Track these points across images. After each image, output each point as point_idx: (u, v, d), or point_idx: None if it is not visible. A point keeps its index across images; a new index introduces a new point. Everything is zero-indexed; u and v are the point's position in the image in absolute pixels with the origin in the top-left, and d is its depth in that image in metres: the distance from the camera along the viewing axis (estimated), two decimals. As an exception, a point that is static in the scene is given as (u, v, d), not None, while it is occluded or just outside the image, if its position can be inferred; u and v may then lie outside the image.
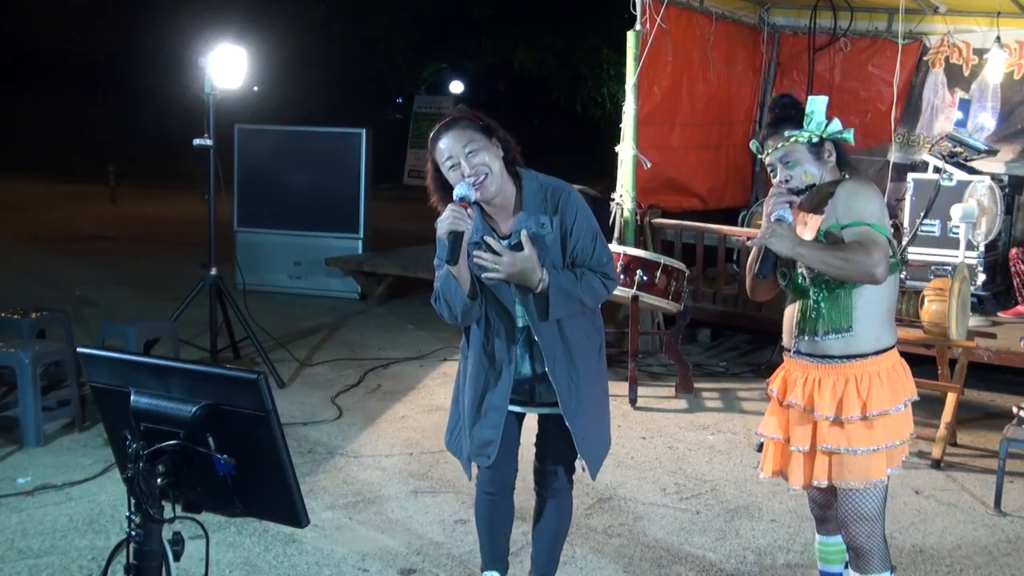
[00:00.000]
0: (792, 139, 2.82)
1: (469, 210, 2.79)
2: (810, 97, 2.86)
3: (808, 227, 2.91)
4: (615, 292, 6.02)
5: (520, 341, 3.01)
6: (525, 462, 3.29)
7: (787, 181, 2.85)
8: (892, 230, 2.89)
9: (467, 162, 2.81)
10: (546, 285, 2.86)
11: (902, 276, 6.42)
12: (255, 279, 8.75)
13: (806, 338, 2.88)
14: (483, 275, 2.88)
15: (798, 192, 2.85)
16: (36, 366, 5.09)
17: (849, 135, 2.86)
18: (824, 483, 2.89)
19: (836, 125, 2.84)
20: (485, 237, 2.90)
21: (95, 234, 13.73)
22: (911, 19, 8.07)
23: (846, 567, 3.12)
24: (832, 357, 2.85)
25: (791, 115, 2.87)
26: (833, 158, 2.87)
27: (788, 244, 2.74)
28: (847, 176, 2.89)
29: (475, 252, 2.84)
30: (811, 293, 2.86)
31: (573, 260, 2.96)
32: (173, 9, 19.88)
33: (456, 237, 2.74)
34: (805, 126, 2.83)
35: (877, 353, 2.83)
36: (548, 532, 3.28)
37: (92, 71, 23.66)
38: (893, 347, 2.88)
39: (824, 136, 2.83)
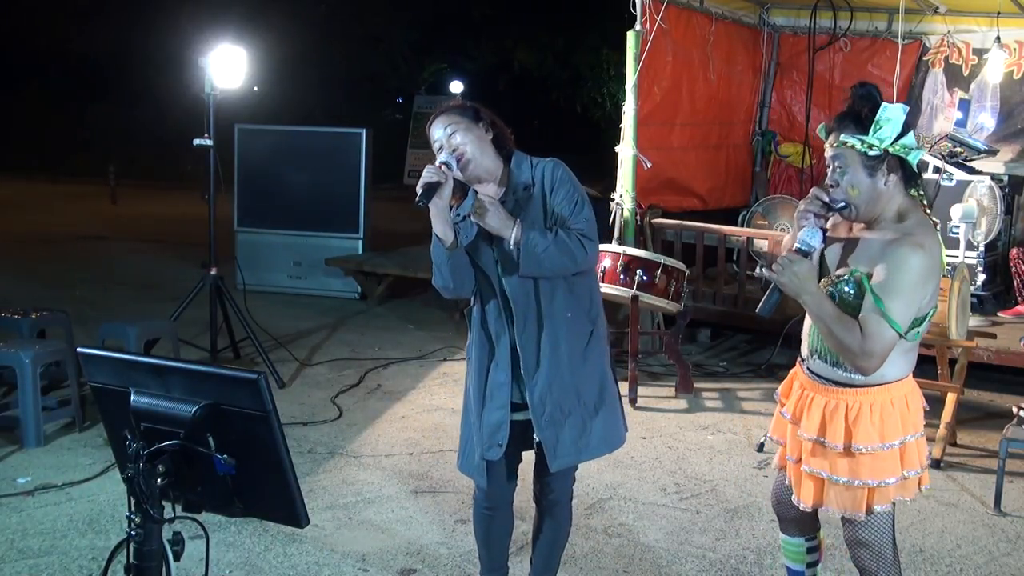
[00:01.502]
0: (849, 144, 2.54)
1: (444, 168, 2.89)
2: (885, 104, 2.53)
3: (853, 232, 2.68)
4: (615, 292, 6.10)
5: (503, 308, 3.01)
6: (525, 463, 3.29)
7: (834, 186, 2.58)
8: (929, 304, 2.57)
9: (448, 143, 2.94)
10: (519, 234, 2.88)
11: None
12: (255, 279, 8.76)
13: (814, 357, 2.74)
14: (471, 215, 2.92)
15: (837, 208, 2.58)
16: (36, 366, 5.09)
17: (916, 157, 2.54)
18: (808, 507, 2.76)
19: (910, 140, 2.52)
20: (476, 199, 2.99)
21: (95, 234, 13.73)
22: (911, 19, 8.08)
23: (807, 567, 3.07)
24: (828, 380, 2.70)
25: (861, 112, 2.55)
26: (894, 177, 2.55)
27: (798, 287, 2.52)
28: (926, 206, 2.61)
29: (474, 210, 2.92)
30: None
31: (555, 221, 2.96)
32: (173, 9, 19.90)
33: (430, 187, 2.85)
34: (870, 133, 2.52)
35: (876, 385, 2.63)
36: (546, 543, 3.27)
37: (92, 71, 23.67)
38: (900, 380, 2.66)
39: (889, 150, 2.52)
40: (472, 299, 3.08)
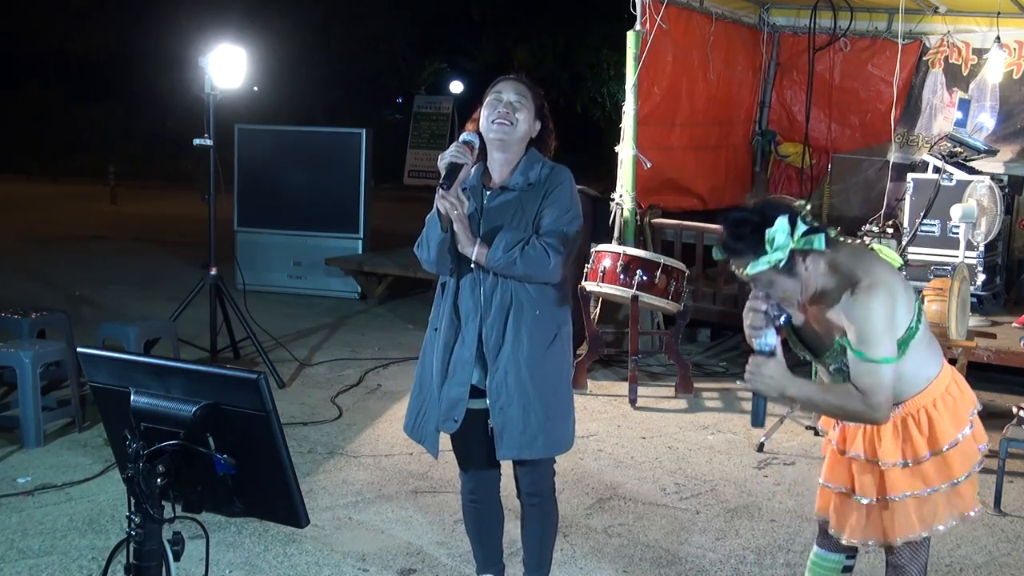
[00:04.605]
0: (756, 271, 2.50)
1: (472, 150, 2.99)
2: (775, 224, 2.45)
3: (820, 321, 2.63)
4: (615, 292, 6.10)
5: (475, 290, 3.05)
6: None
7: (767, 296, 2.57)
8: (909, 323, 2.56)
9: (505, 106, 3.02)
10: (476, 254, 2.97)
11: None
12: (255, 279, 8.75)
13: None
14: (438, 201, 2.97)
15: (778, 315, 2.57)
16: (36, 366, 5.09)
17: (819, 242, 2.47)
18: (913, 536, 2.64)
19: (801, 229, 2.46)
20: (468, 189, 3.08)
21: (95, 234, 13.72)
22: (911, 19, 8.08)
23: None
24: None
25: (745, 234, 2.49)
26: (810, 259, 2.50)
27: (776, 385, 2.52)
28: (858, 277, 2.53)
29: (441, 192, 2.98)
30: (840, 379, 2.63)
31: (536, 226, 3.01)
32: (173, 9, 19.89)
33: (454, 167, 2.93)
34: (769, 251, 2.46)
35: (926, 388, 2.64)
36: (534, 539, 3.29)
37: (92, 71, 23.66)
38: (941, 372, 2.67)
39: (795, 248, 2.47)
40: (449, 271, 3.12)
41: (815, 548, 3.03)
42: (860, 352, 2.49)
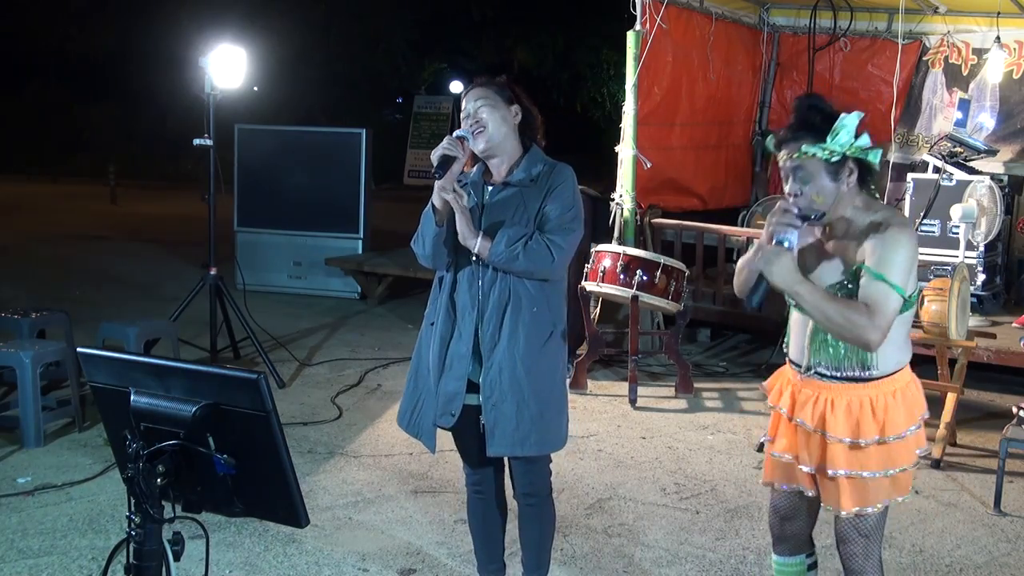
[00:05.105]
0: (811, 154, 2.53)
1: (464, 145, 3.00)
2: (844, 114, 2.54)
3: (830, 250, 2.66)
4: (615, 292, 6.10)
5: (473, 284, 3.05)
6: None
7: (797, 195, 2.58)
8: (916, 286, 2.61)
9: (473, 115, 3.05)
10: (479, 247, 2.97)
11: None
12: (255, 279, 8.76)
13: (822, 363, 2.68)
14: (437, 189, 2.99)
15: (807, 217, 2.58)
16: (36, 366, 5.09)
17: (876, 156, 2.55)
18: (850, 513, 2.67)
19: (864, 141, 2.53)
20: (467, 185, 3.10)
21: (95, 234, 13.73)
22: (911, 19, 8.08)
23: None
24: (848, 378, 2.66)
25: (814, 121, 2.55)
26: (854, 177, 2.57)
27: (788, 277, 2.52)
28: (895, 210, 2.62)
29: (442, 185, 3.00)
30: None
31: (538, 223, 3.01)
32: (173, 9, 19.89)
33: (446, 159, 2.96)
34: (829, 140, 2.52)
35: (894, 373, 2.65)
36: (532, 539, 3.29)
37: (92, 71, 23.66)
38: (907, 363, 2.70)
39: (848, 154, 2.53)
40: (447, 271, 3.13)
41: (774, 556, 3.00)
42: (880, 274, 2.51)
